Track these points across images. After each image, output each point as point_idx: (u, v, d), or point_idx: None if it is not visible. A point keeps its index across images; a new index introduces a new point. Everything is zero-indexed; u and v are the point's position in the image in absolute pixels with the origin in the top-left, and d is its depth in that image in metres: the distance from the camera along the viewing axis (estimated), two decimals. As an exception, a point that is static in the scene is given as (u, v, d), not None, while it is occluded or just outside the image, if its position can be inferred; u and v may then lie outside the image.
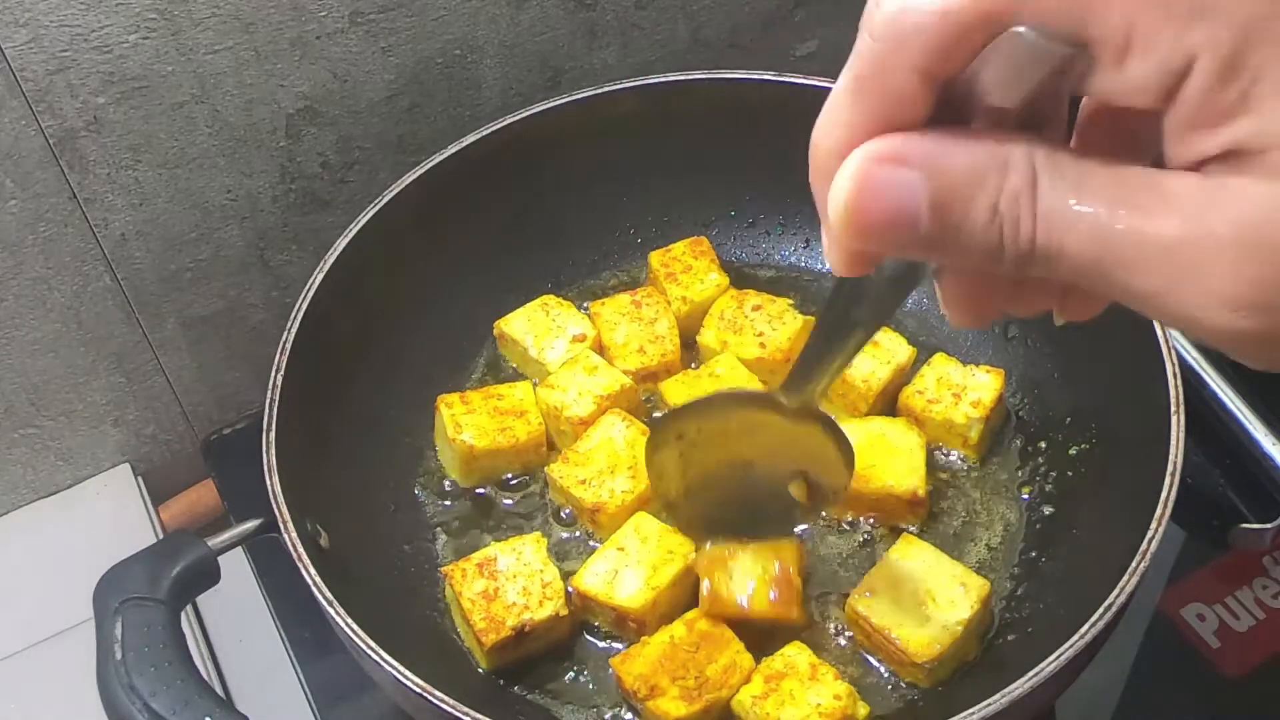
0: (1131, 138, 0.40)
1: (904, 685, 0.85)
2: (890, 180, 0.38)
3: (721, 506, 0.83)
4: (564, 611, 0.86)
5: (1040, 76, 0.37)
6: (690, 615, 0.85)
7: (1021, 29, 0.36)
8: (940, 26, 0.37)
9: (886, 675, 0.86)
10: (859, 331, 0.55)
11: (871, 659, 0.87)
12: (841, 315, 0.54)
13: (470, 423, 0.96)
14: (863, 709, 0.82)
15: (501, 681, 0.87)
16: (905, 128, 0.39)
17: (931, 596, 0.84)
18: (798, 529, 0.83)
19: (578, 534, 0.95)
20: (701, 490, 0.82)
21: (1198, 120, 0.35)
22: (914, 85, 0.38)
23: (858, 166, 0.39)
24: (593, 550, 0.91)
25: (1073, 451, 0.94)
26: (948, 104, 0.39)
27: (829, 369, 0.62)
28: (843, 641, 0.88)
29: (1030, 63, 0.37)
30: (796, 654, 0.83)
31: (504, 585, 0.87)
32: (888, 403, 0.98)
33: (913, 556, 0.86)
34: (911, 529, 0.92)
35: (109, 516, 1.09)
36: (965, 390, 0.95)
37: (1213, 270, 0.35)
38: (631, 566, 0.87)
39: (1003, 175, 0.37)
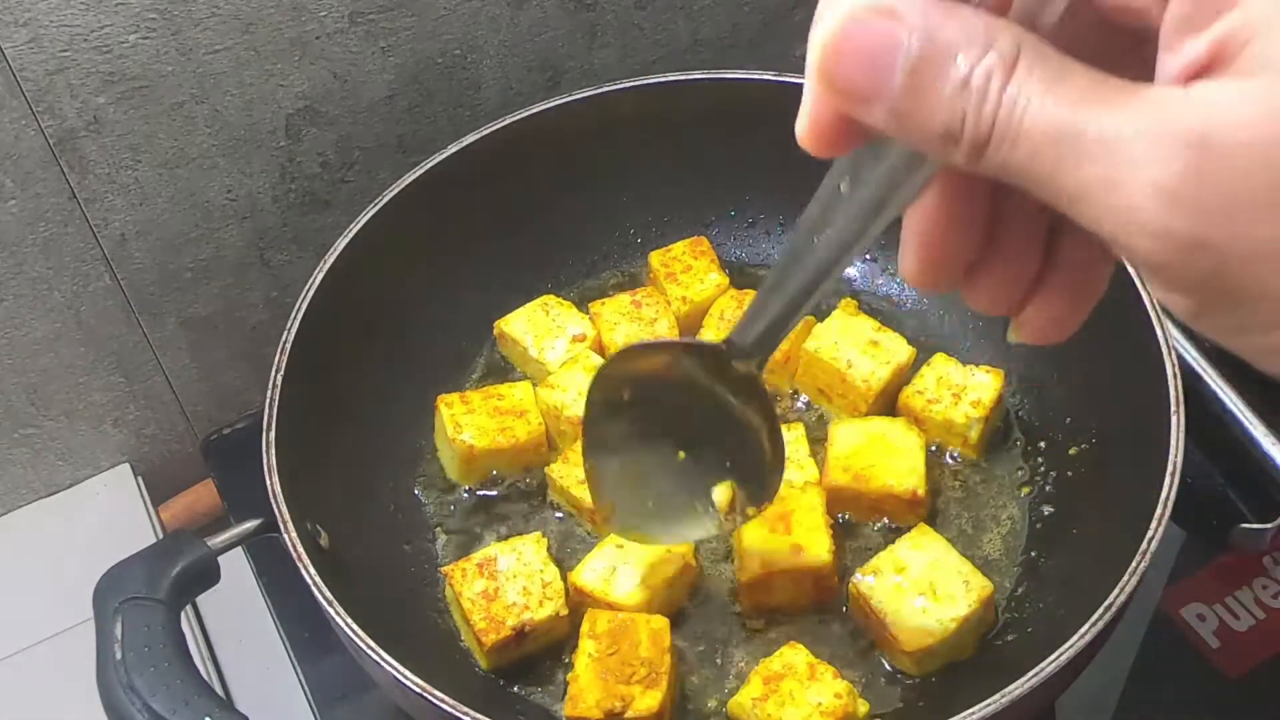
0: (1118, 61, 0.39)
1: (903, 684, 0.85)
2: (877, 29, 0.37)
3: (639, 494, 0.79)
4: (564, 611, 0.86)
5: None
6: (585, 628, 0.84)
7: None
8: None
9: (887, 675, 0.86)
10: (820, 264, 0.51)
11: (871, 656, 0.87)
12: (804, 241, 0.50)
13: (470, 423, 0.96)
14: (863, 706, 0.82)
15: (501, 681, 0.87)
16: None
17: (933, 589, 0.84)
18: (707, 537, 0.79)
19: (578, 534, 0.95)
20: (624, 471, 0.78)
21: (1188, 16, 0.34)
22: None
23: (850, 10, 0.38)
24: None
25: (1073, 451, 0.94)
26: None
27: (780, 314, 0.57)
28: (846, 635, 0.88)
29: None
30: (794, 654, 0.83)
31: (504, 585, 0.87)
32: (888, 403, 0.98)
33: (924, 547, 0.87)
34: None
35: (109, 516, 1.09)
36: (965, 390, 0.95)
37: (1156, 162, 0.33)
38: (629, 564, 0.87)
39: (984, 49, 0.36)
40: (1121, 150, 0.34)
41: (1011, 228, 0.43)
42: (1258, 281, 0.33)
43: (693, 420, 0.74)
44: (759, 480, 0.75)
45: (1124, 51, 0.38)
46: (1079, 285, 0.44)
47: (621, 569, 0.87)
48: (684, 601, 0.89)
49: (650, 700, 0.80)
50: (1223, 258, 0.33)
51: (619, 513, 0.80)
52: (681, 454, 0.77)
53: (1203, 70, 0.34)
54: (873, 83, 0.37)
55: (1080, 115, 0.35)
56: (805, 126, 0.41)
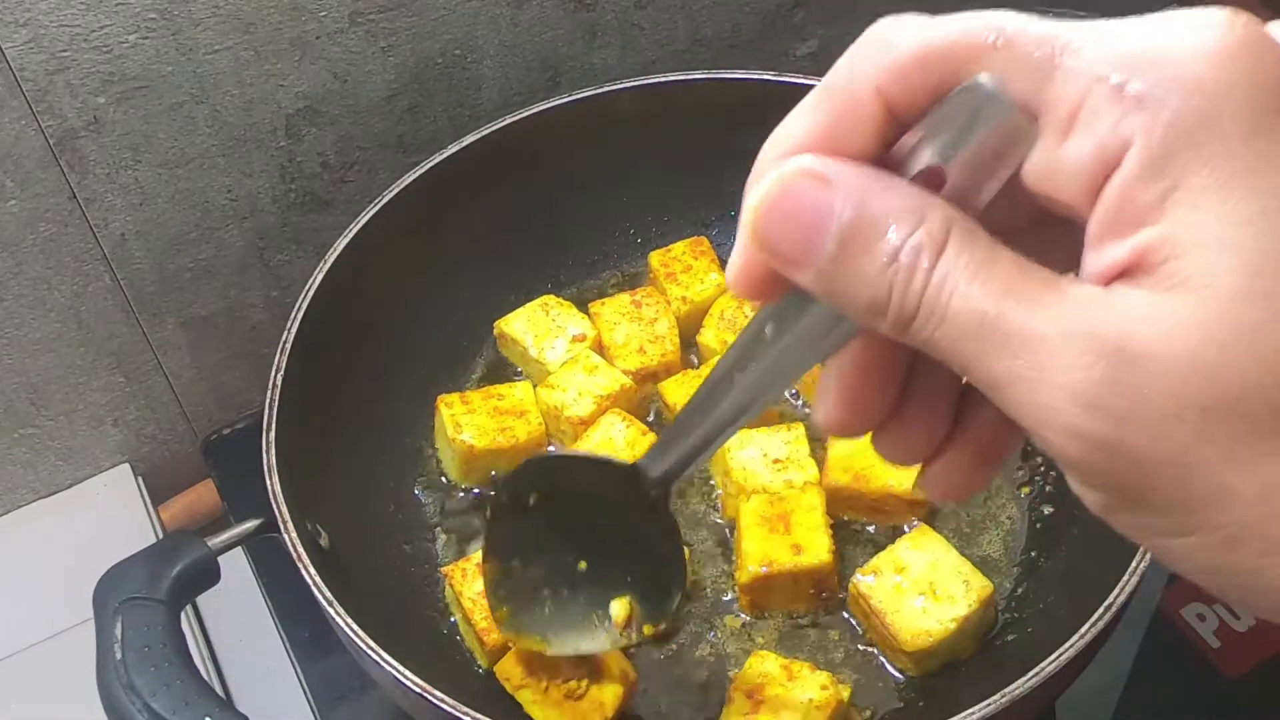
0: (1048, 250, 0.40)
1: (903, 684, 0.85)
2: (811, 197, 0.38)
3: (536, 600, 0.78)
4: None
5: (987, 140, 0.37)
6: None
7: (985, 79, 0.36)
8: (913, 51, 0.37)
9: (887, 675, 0.86)
10: (736, 404, 0.50)
11: (870, 657, 0.87)
12: (721, 380, 0.49)
13: (470, 423, 0.96)
14: (845, 691, 0.82)
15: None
16: (848, 154, 0.38)
17: (933, 589, 0.84)
18: (598, 650, 0.78)
19: (578, 534, 0.95)
20: (523, 576, 0.78)
21: (1114, 221, 0.35)
22: (871, 106, 0.38)
23: (783, 174, 0.38)
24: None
25: (1073, 451, 0.94)
26: (888, 163, 0.39)
27: (692, 448, 0.57)
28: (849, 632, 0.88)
29: (981, 121, 0.37)
30: (762, 662, 0.83)
31: None
32: (888, 403, 0.98)
33: (924, 547, 0.87)
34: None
35: (109, 516, 1.09)
36: (965, 390, 0.95)
37: (1073, 365, 0.34)
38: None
39: (915, 225, 0.36)
40: (1041, 349, 0.34)
41: (925, 388, 0.44)
42: (1165, 488, 0.34)
43: (597, 532, 0.74)
44: (658, 599, 0.75)
45: (1055, 232, 0.39)
46: (985, 450, 0.44)
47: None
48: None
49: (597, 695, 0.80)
50: (1132, 463, 0.34)
51: (513, 617, 0.79)
52: (583, 564, 0.77)
53: (1123, 273, 0.35)
54: (802, 248, 0.38)
55: (1003, 307, 0.35)
56: (734, 274, 0.42)
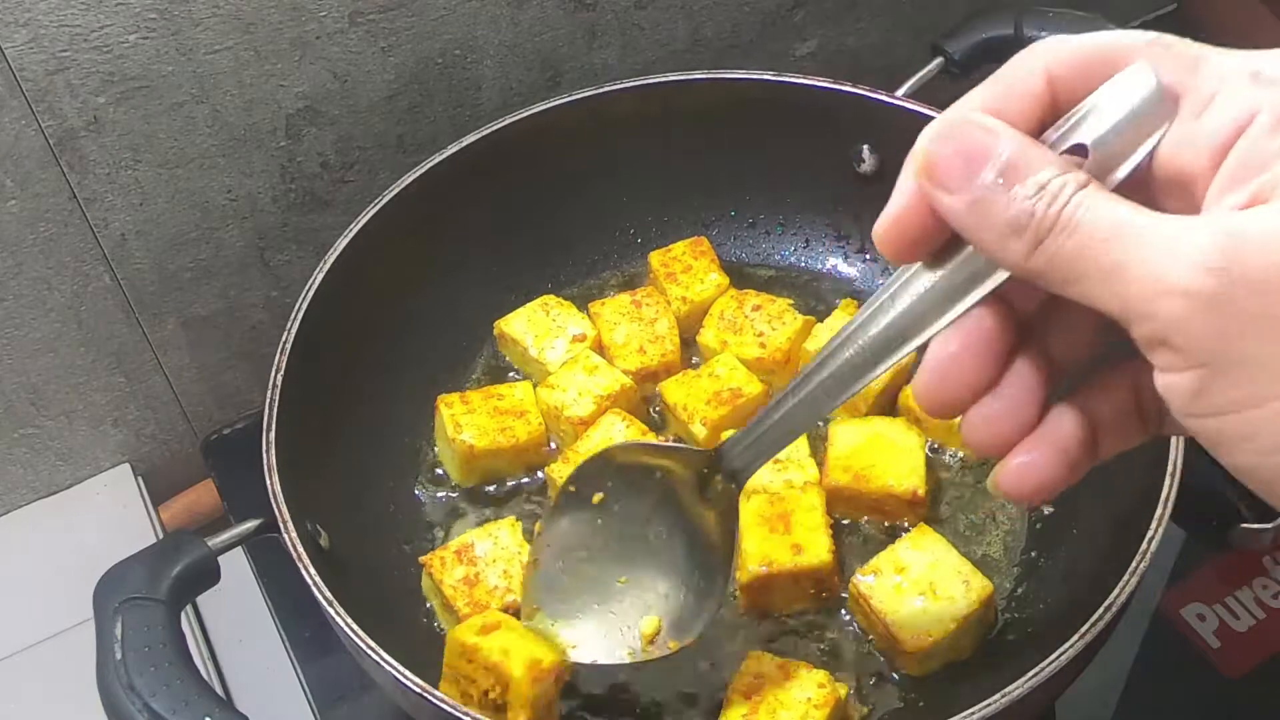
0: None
1: (903, 684, 0.85)
2: (978, 137, 0.44)
3: (570, 606, 0.79)
4: None
5: (1132, 117, 0.44)
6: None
7: (1139, 64, 0.44)
8: (1078, 44, 0.45)
9: (887, 674, 0.86)
10: (838, 371, 0.56)
11: (870, 656, 0.87)
12: (836, 350, 0.55)
13: (470, 423, 0.96)
14: (842, 689, 0.82)
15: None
16: (1011, 122, 0.45)
17: (933, 588, 0.84)
18: (618, 662, 0.78)
19: (578, 534, 0.95)
20: (565, 580, 0.79)
21: (1239, 171, 0.41)
22: (1037, 83, 0.45)
23: (955, 116, 0.46)
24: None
25: (1073, 451, 0.94)
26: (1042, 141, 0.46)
27: (776, 434, 0.62)
28: (850, 633, 0.88)
29: (1131, 97, 0.44)
30: (759, 663, 0.82)
31: (484, 570, 0.87)
32: (888, 403, 0.98)
33: (924, 547, 0.87)
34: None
35: (109, 516, 1.09)
36: (965, 390, 0.95)
37: (1194, 244, 0.40)
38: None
39: (1063, 171, 0.43)
40: (1167, 236, 0.40)
41: (1021, 375, 0.49)
42: (1257, 346, 0.39)
43: (648, 541, 0.76)
44: (690, 617, 0.77)
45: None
46: (1069, 448, 0.49)
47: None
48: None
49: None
50: (1235, 316, 0.39)
51: (542, 614, 0.80)
52: (623, 579, 0.78)
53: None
54: (965, 174, 0.44)
55: (1137, 215, 0.42)
56: (887, 221, 0.48)
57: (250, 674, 1.00)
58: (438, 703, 0.73)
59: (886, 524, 0.93)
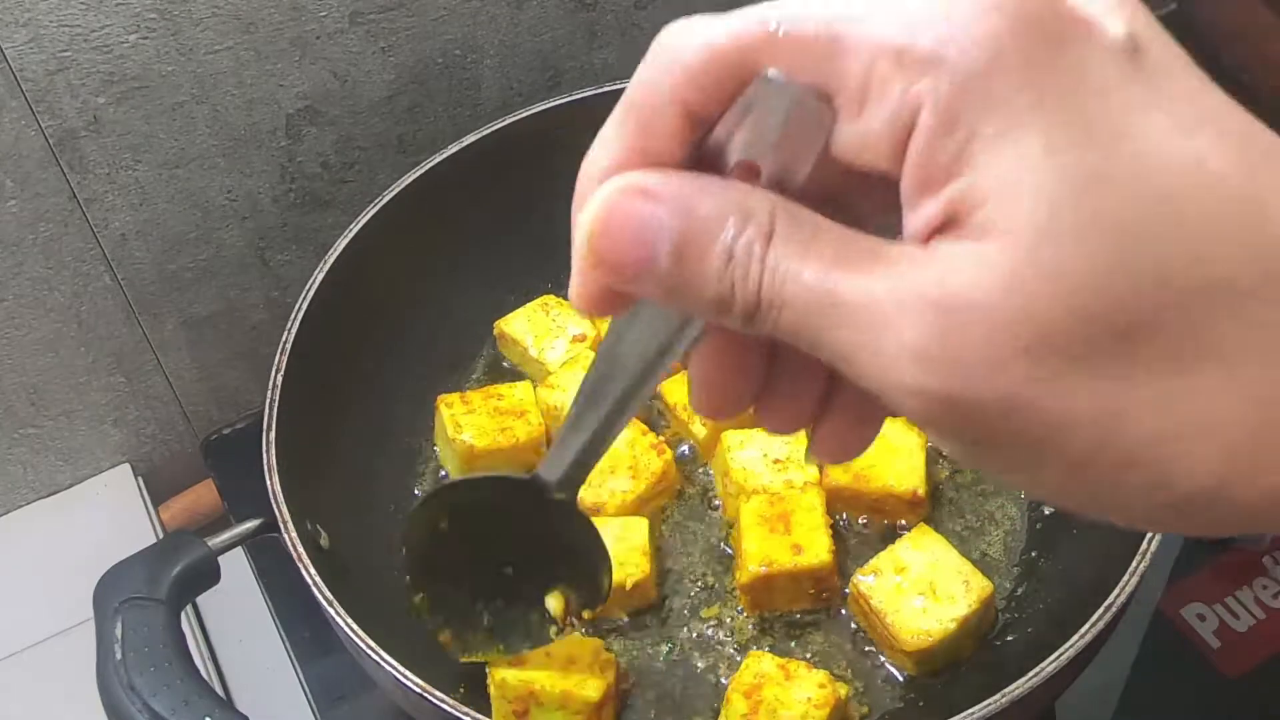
0: (875, 200, 0.40)
1: (903, 684, 0.85)
2: (637, 213, 0.38)
3: (472, 615, 0.78)
4: None
5: (789, 129, 0.38)
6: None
7: (772, 74, 0.37)
8: (701, 57, 0.38)
9: (887, 674, 0.86)
10: (613, 407, 0.51)
11: (870, 657, 0.87)
12: (596, 387, 0.50)
13: (470, 423, 0.96)
14: (843, 689, 0.82)
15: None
16: (663, 164, 0.39)
17: (933, 589, 0.84)
18: (547, 645, 0.77)
19: (578, 534, 0.95)
20: (454, 595, 0.77)
21: (922, 180, 0.35)
22: (674, 118, 0.39)
23: (607, 195, 0.38)
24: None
25: (1073, 451, 0.94)
26: (704, 159, 0.40)
27: (585, 447, 0.57)
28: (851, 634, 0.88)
29: (780, 113, 0.38)
30: (759, 662, 0.83)
31: None
32: (888, 403, 0.98)
33: (924, 547, 0.87)
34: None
35: (109, 516, 1.09)
36: (965, 390, 0.95)
37: (905, 325, 0.35)
38: None
39: (743, 223, 0.37)
40: (874, 314, 0.35)
41: (791, 361, 0.44)
42: (1006, 430, 0.35)
43: (513, 541, 0.74)
44: (590, 583, 0.75)
45: (880, 193, 0.39)
46: (862, 411, 0.45)
47: None
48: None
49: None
50: (971, 412, 0.35)
51: (458, 639, 0.78)
52: (509, 568, 0.76)
53: (940, 228, 0.35)
54: (640, 261, 0.38)
55: (833, 281, 0.36)
56: (578, 296, 0.42)
57: (250, 674, 1.00)
58: (438, 703, 0.73)
59: (886, 524, 0.93)
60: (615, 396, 0.49)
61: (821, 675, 0.81)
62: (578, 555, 0.73)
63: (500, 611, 0.77)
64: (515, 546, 0.74)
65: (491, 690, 0.83)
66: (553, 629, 0.77)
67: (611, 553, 0.86)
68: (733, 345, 0.44)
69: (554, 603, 0.77)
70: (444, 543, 0.75)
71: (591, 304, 0.42)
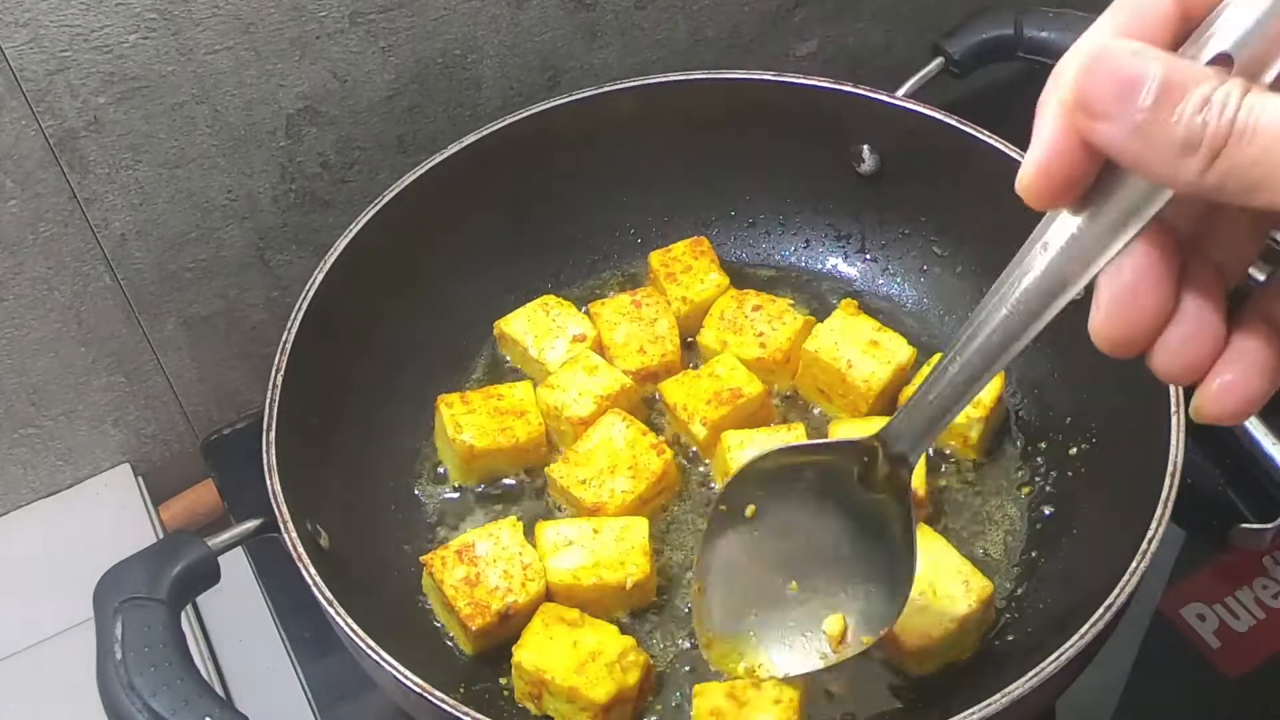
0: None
1: (904, 685, 0.85)
2: (1127, 59, 0.43)
3: (744, 626, 0.77)
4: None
5: (1264, 26, 0.43)
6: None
7: None
8: None
9: (887, 674, 0.86)
10: (1004, 324, 0.53)
11: (870, 657, 0.87)
12: (988, 309, 0.53)
13: (470, 423, 0.96)
14: (794, 691, 0.79)
15: (501, 680, 0.87)
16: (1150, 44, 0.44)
17: (933, 588, 0.84)
18: (815, 670, 0.76)
19: (578, 534, 0.95)
20: (732, 602, 0.77)
21: None
22: (1172, 5, 0.45)
23: (1101, 45, 0.44)
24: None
25: (1073, 451, 0.94)
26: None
27: (938, 408, 0.60)
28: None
29: (1258, 9, 0.43)
30: (708, 700, 0.80)
31: (484, 570, 0.87)
32: (888, 403, 0.98)
33: (924, 547, 0.86)
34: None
35: (109, 516, 1.09)
36: (965, 390, 0.95)
37: None
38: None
39: (1220, 81, 0.42)
40: None
41: (1195, 300, 0.48)
42: None
43: (813, 542, 0.73)
44: (877, 608, 0.74)
45: (1241, 243, 0.47)
46: (1262, 358, 0.48)
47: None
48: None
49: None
50: None
51: (719, 646, 0.78)
52: (794, 585, 0.76)
53: None
54: (1121, 102, 0.43)
55: None
56: (1033, 168, 0.46)
57: (250, 674, 1.00)
58: (438, 703, 0.73)
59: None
60: (1019, 303, 0.51)
61: (771, 689, 0.79)
62: (876, 569, 0.72)
63: (771, 627, 0.77)
64: (810, 556, 0.74)
65: (513, 665, 0.84)
66: (820, 656, 0.76)
67: (612, 553, 0.88)
68: (1150, 258, 0.47)
69: (832, 625, 0.75)
70: (743, 532, 0.75)
71: (1039, 172, 0.46)
